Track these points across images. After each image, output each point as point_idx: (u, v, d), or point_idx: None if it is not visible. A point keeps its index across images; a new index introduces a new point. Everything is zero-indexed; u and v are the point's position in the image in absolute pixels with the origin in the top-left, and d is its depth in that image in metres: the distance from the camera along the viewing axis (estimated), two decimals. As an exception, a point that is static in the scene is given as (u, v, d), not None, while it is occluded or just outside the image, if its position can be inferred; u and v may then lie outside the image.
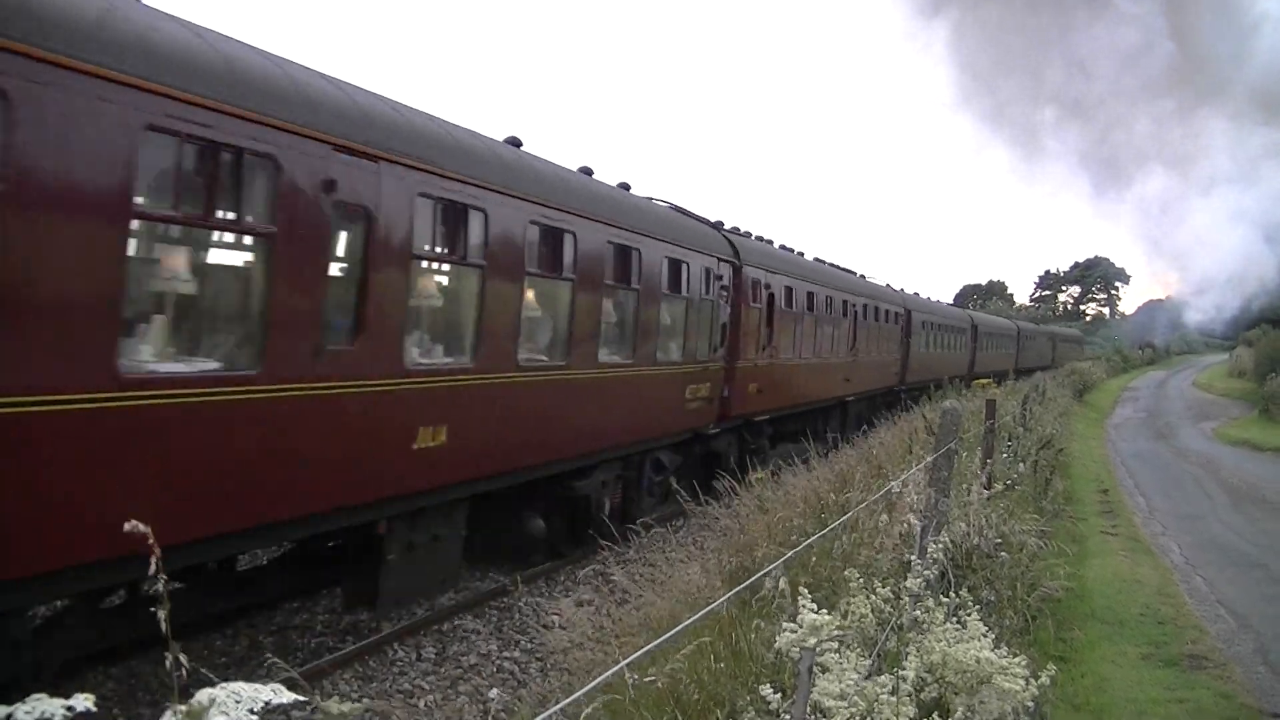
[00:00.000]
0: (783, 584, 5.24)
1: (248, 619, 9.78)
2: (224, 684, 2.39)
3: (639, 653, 3.30)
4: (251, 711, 2.31)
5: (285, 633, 9.78)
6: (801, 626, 3.87)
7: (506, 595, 11.23)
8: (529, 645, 9.92)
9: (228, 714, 2.27)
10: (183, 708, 2.30)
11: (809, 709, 3.80)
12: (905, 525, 6.92)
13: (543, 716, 2.79)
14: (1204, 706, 7.84)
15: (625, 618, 7.84)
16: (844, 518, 6.44)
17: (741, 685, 5.29)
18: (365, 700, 8.20)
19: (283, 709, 2.48)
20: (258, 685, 2.40)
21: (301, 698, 2.55)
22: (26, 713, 2.19)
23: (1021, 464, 13.98)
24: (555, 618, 9.30)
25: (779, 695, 3.99)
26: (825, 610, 4.14)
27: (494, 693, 8.68)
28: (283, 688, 2.41)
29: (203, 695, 2.33)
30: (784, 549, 7.77)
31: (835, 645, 4.12)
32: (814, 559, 6.73)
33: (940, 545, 6.30)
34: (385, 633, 9.69)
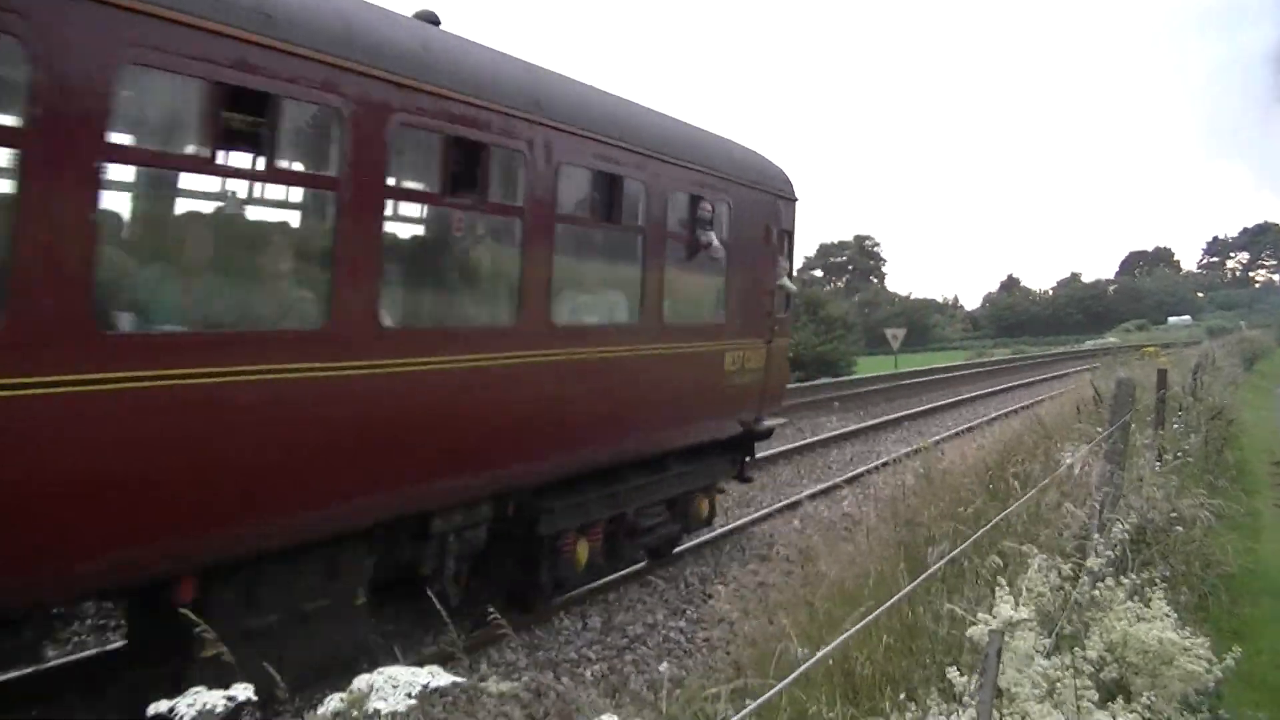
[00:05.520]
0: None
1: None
2: (381, 669, 2.43)
3: (832, 645, 3.37)
4: (409, 695, 2.34)
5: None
6: (994, 619, 3.90)
7: (670, 566, 11.43)
8: (694, 615, 10.08)
9: (386, 699, 2.32)
10: (342, 695, 2.40)
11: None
12: (1085, 502, 6.80)
13: (743, 714, 2.81)
14: (1388, 681, 7.52)
15: (791, 588, 7.91)
16: (1025, 498, 6.36)
17: (915, 663, 5.31)
18: (529, 675, 8.38)
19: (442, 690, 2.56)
20: (415, 669, 2.43)
21: (460, 679, 2.57)
22: (189, 704, 2.31)
23: (1192, 435, 13.51)
24: (720, 588, 9.43)
25: (965, 679, 4.01)
26: (1010, 592, 4.17)
27: (663, 666, 8.86)
28: (440, 669, 2.43)
29: (360, 682, 2.36)
30: (949, 521, 7.73)
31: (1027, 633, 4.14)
32: (986, 537, 6.69)
33: (1121, 522, 6.18)
34: (554, 601, 9.95)
